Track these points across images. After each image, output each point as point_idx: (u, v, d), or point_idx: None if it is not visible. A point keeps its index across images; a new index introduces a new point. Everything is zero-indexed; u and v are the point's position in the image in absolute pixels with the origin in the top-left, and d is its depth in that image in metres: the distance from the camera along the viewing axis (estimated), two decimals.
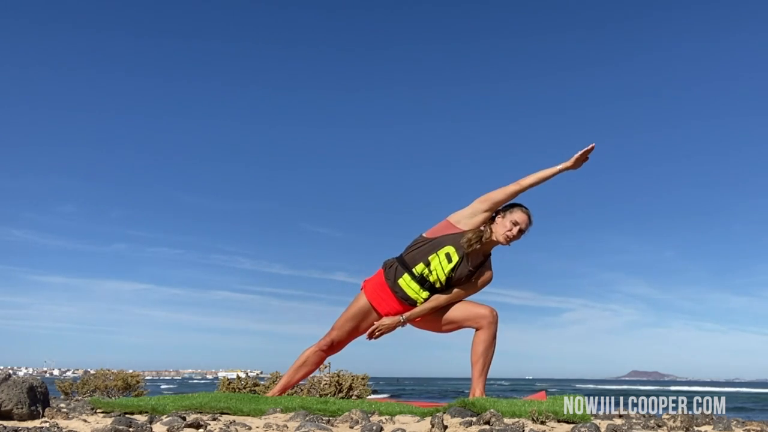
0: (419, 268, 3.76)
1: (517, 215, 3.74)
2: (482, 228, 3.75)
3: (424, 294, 3.78)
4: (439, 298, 3.80)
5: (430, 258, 3.74)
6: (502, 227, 3.73)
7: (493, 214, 3.79)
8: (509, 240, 3.74)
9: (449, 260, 3.72)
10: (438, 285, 3.77)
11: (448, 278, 3.75)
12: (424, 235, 3.83)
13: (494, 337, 3.72)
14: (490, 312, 3.73)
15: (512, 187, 3.73)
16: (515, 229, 3.72)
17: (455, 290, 3.81)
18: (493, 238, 3.75)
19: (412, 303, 3.80)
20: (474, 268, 3.78)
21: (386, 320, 3.83)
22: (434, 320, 3.85)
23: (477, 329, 3.75)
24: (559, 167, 3.74)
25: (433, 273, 3.74)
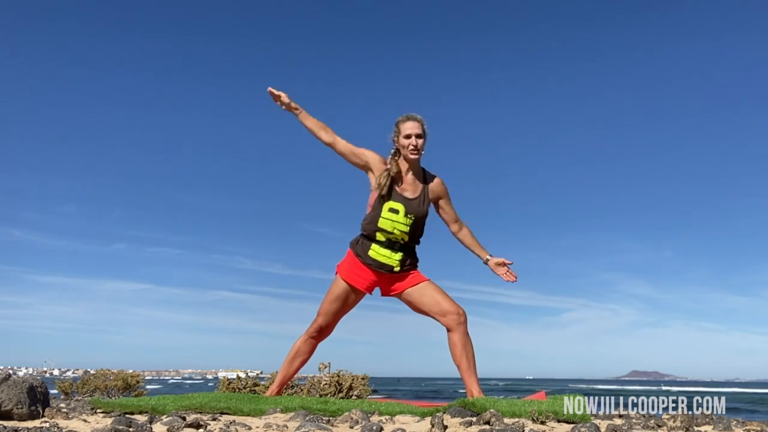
0: (381, 236, 3.80)
1: (407, 126, 3.79)
2: (387, 166, 3.81)
3: (398, 256, 3.81)
4: (464, 229, 3.97)
5: (379, 224, 3.78)
6: (403, 148, 3.80)
7: (393, 142, 3.86)
8: (415, 152, 3.78)
9: (395, 212, 3.78)
10: (407, 239, 3.81)
11: (414, 224, 3.79)
12: (367, 212, 3.90)
13: (466, 335, 3.75)
14: (456, 310, 3.75)
15: (324, 138, 3.86)
16: (412, 140, 3.77)
17: (450, 216, 3.93)
18: (406, 161, 3.82)
19: (388, 269, 3.81)
20: (420, 196, 3.83)
21: (500, 269, 3.90)
22: (410, 298, 3.85)
23: (448, 330, 3.77)
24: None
25: (395, 231, 3.78)
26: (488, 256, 3.93)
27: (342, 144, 3.87)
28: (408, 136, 3.77)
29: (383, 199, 3.79)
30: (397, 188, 3.81)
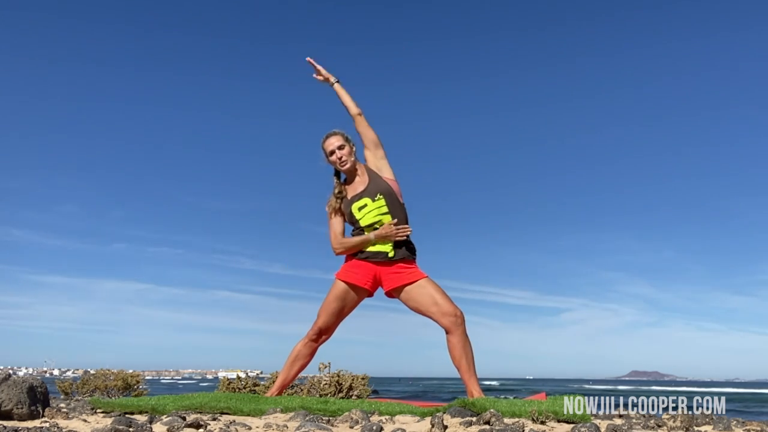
0: (369, 231, 3.90)
1: (326, 146, 4.00)
2: (336, 191, 4.00)
3: (389, 245, 3.87)
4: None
5: (362, 224, 3.90)
6: (334, 165, 4.02)
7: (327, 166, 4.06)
8: (342, 164, 3.97)
9: (365, 206, 3.90)
10: (392, 219, 3.89)
11: (388, 203, 3.89)
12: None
13: (465, 336, 3.76)
14: (454, 312, 3.75)
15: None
16: (334, 156, 3.98)
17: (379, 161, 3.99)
18: (343, 170, 4.00)
19: (384, 256, 3.87)
20: (371, 179, 3.94)
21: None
22: (407, 297, 3.87)
23: (446, 332, 3.77)
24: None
25: (380, 220, 3.87)
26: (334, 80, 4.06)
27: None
28: (332, 153, 3.98)
29: (345, 209, 3.96)
30: (349, 196, 3.97)
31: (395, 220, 3.86)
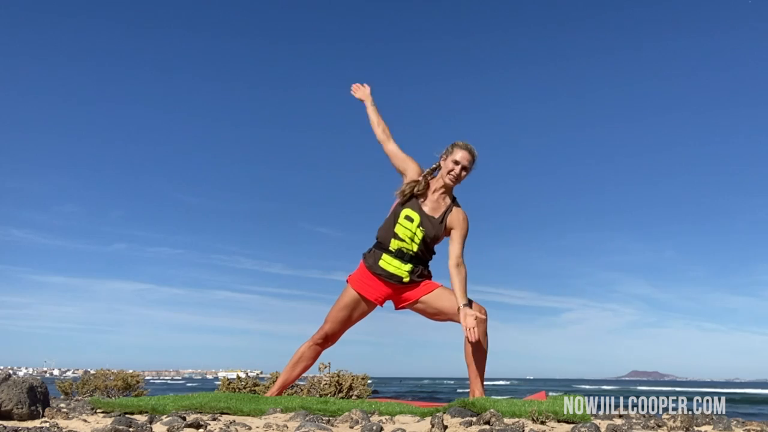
0: (394, 244, 3.79)
1: (458, 154, 3.80)
2: (418, 179, 3.82)
3: (407, 267, 3.78)
4: (459, 268, 3.72)
5: (395, 229, 3.78)
6: (446, 169, 3.80)
7: (437, 160, 3.88)
8: (455, 179, 3.79)
9: (410, 220, 3.76)
10: (416, 249, 3.77)
11: (423, 239, 3.76)
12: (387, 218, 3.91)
13: (484, 335, 3.70)
14: (478, 309, 3.71)
15: (378, 134, 3.94)
16: (458, 168, 3.77)
17: (454, 246, 3.77)
18: (441, 184, 3.81)
19: (398, 280, 3.79)
20: (440, 218, 3.80)
21: (469, 320, 3.56)
22: (425, 306, 3.83)
23: None
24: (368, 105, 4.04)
25: (406, 240, 3.76)
26: (463, 303, 3.64)
27: (392, 145, 3.92)
28: (456, 162, 3.78)
29: (402, 206, 3.80)
30: (418, 201, 3.81)
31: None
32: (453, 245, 3.81)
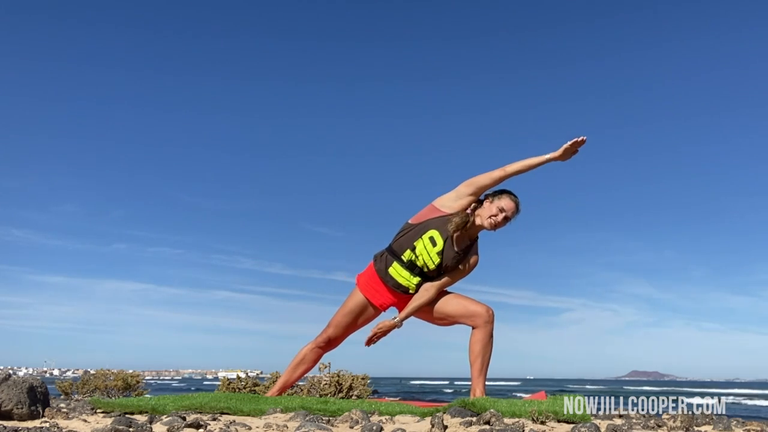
0: (407, 254, 3.75)
1: (505, 202, 3.72)
2: (468, 212, 3.72)
3: (415, 280, 3.77)
4: (429, 291, 3.77)
5: (415, 243, 3.73)
6: (488, 212, 3.71)
7: (481, 198, 3.77)
8: (494, 226, 3.71)
9: (434, 244, 3.71)
10: (427, 270, 3.75)
11: (438, 264, 3.73)
12: (409, 221, 3.82)
13: (491, 336, 3.71)
14: (485, 311, 3.71)
15: (497, 173, 3.68)
16: (501, 216, 3.69)
17: (444, 278, 3.79)
18: (479, 222, 3.72)
19: (404, 290, 3.79)
20: (460, 252, 3.75)
21: (383, 324, 3.82)
22: (429, 311, 3.84)
23: (473, 328, 3.73)
24: (546, 156, 3.68)
25: (420, 258, 3.73)
26: (400, 318, 3.79)
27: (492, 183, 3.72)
28: (501, 210, 3.69)
29: (430, 223, 3.71)
30: (451, 230, 3.70)
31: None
32: (446, 278, 3.79)
